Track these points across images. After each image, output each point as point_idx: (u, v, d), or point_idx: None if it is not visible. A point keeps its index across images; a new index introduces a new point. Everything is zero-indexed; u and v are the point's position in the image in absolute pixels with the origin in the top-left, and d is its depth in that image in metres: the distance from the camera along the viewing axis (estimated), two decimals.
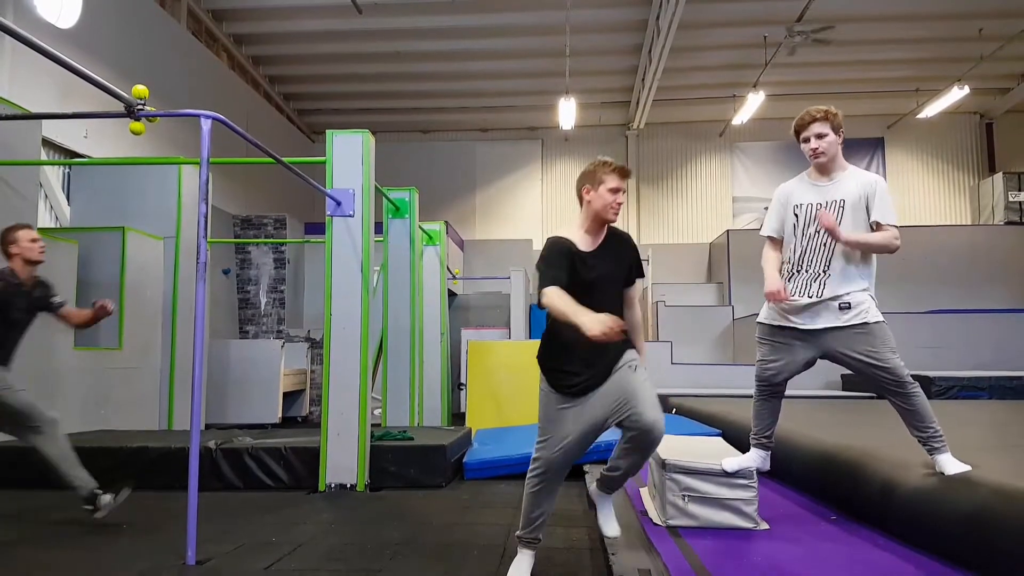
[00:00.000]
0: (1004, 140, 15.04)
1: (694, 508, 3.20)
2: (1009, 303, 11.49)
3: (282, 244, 10.64)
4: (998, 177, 13.63)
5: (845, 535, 3.10)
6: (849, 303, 3.00)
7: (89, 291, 6.76)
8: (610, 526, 2.93)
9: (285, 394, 9.61)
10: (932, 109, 13.44)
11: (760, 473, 3.31)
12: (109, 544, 3.51)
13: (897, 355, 2.91)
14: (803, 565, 2.68)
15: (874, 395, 7.36)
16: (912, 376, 2.92)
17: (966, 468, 2.77)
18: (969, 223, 14.34)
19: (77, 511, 3.65)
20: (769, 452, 3.31)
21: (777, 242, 3.26)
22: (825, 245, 3.05)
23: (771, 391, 3.26)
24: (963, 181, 15.09)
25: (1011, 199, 13.29)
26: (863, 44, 12.21)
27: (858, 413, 5.89)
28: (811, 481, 3.90)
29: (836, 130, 3.05)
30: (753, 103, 12.72)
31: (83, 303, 6.56)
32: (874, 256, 3.07)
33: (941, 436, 2.87)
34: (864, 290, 3.02)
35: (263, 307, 10.67)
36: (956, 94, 12.48)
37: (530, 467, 2.82)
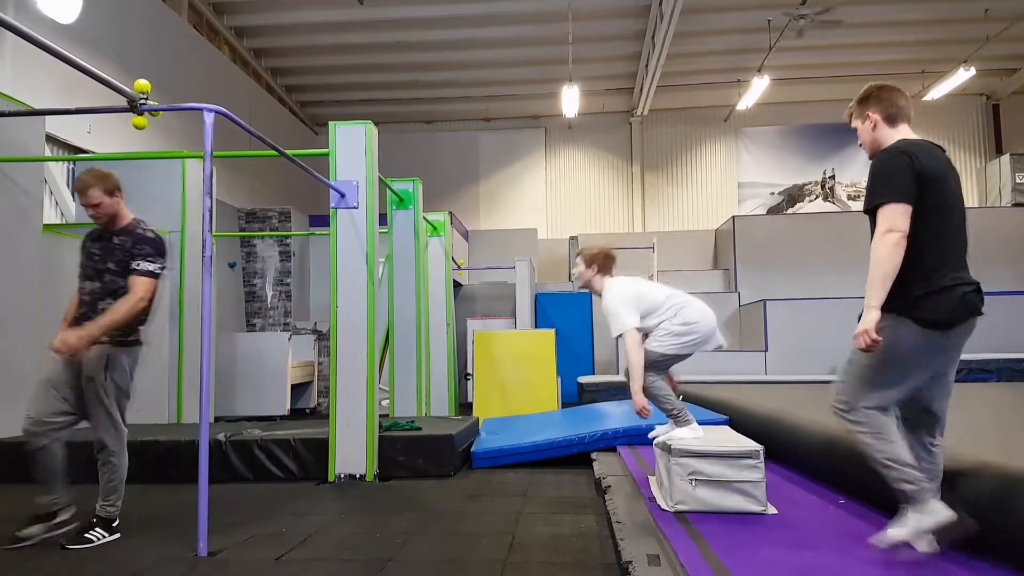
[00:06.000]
0: (1011, 121, 14.91)
1: (702, 492, 3.21)
2: (1017, 285, 11.42)
3: (287, 237, 10.64)
4: (1005, 159, 13.53)
5: (854, 519, 3.10)
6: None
7: None
8: None
9: (293, 386, 9.65)
10: (938, 91, 13.33)
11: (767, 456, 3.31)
12: (120, 537, 3.53)
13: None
14: (811, 549, 2.69)
15: None
16: None
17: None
18: (976, 205, 14.24)
19: (83, 505, 3.65)
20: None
21: None
22: None
23: None
24: (970, 163, 14.98)
25: (1018, 181, 13.20)
26: (867, 26, 12.11)
27: None
28: (819, 466, 3.91)
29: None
30: (758, 88, 12.64)
31: None
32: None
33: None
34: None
35: (269, 300, 10.69)
36: (962, 76, 12.37)
37: None
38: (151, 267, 3.52)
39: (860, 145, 2.87)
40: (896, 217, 2.47)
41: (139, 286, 3.46)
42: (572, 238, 13.80)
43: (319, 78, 14.27)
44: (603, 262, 4.12)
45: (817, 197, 14.89)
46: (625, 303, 3.91)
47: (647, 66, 12.68)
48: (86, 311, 3.48)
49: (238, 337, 9.65)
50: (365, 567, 3.00)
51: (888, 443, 2.52)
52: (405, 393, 7.20)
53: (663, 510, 3.28)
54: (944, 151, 2.71)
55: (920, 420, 2.64)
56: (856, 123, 2.80)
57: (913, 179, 2.50)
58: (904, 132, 2.70)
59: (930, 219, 2.50)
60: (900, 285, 2.47)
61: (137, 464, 4.99)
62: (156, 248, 3.57)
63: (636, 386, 3.74)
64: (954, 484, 2.62)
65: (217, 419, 7.68)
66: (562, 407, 8.10)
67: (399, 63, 13.25)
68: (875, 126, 2.72)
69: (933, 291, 2.47)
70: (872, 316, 2.46)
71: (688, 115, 15.44)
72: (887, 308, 2.48)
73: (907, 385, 2.56)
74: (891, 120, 2.70)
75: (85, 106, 4.60)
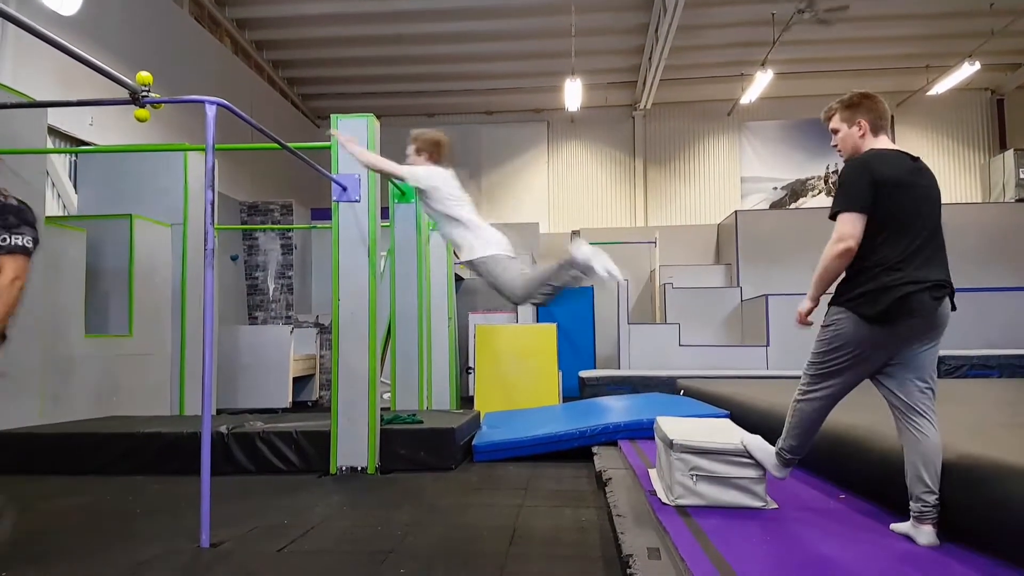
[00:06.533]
0: (1015, 117, 14.85)
1: (702, 487, 3.22)
2: (1019, 281, 11.40)
3: (289, 230, 10.65)
4: (1009, 154, 13.48)
5: (854, 514, 3.11)
6: None
7: (98, 279, 6.81)
8: None
9: (295, 379, 9.67)
10: (942, 86, 13.28)
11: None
12: (123, 528, 3.55)
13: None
14: (811, 543, 2.69)
15: None
16: None
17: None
18: (979, 201, 14.21)
19: (87, 497, 3.67)
20: None
21: None
22: None
23: None
24: (973, 159, 14.94)
25: (1022, 176, 13.15)
26: (872, 20, 12.06)
27: (863, 392, 5.87)
28: (819, 461, 3.90)
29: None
30: (761, 81, 12.59)
31: (91, 290, 6.61)
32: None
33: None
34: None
35: (271, 293, 10.71)
36: (966, 70, 12.32)
37: None
38: (19, 241, 2.85)
39: (834, 145, 2.95)
40: (847, 226, 2.64)
41: (11, 266, 2.81)
42: (575, 232, 13.78)
43: (321, 71, 14.25)
44: (433, 149, 4.08)
45: (820, 192, 14.85)
46: (435, 175, 3.94)
47: (650, 59, 12.65)
48: None
49: (240, 330, 9.67)
50: (366, 559, 3.01)
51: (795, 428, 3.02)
52: (407, 386, 7.21)
53: (664, 504, 3.29)
54: (916, 159, 2.77)
55: (905, 414, 2.75)
56: (840, 125, 2.88)
57: (869, 188, 2.62)
58: (883, 142, 2.81)
59: (883, 223, 2.63)
60: (847, 282, 2.72)
61: (140, 456, 5.04)
62: (22, 217, 2.89)
63: (362, 154, 4.18)
64: (954, 478, 2.62)
65: (219, 412, 7.70)
66: (563, 401, 8.12)
67: (401, 56, 13.22)
68: (863, 133, 2.83)
69: (873, 290, 2.63)
70: (803, 305, 2.84)
71: (691, 109, 15.40)
72: (837, 302, 2.74)
73: (851, 372, 2.79)
74: (875, 130, 2.83)
75: (87, 98, 4.60)
